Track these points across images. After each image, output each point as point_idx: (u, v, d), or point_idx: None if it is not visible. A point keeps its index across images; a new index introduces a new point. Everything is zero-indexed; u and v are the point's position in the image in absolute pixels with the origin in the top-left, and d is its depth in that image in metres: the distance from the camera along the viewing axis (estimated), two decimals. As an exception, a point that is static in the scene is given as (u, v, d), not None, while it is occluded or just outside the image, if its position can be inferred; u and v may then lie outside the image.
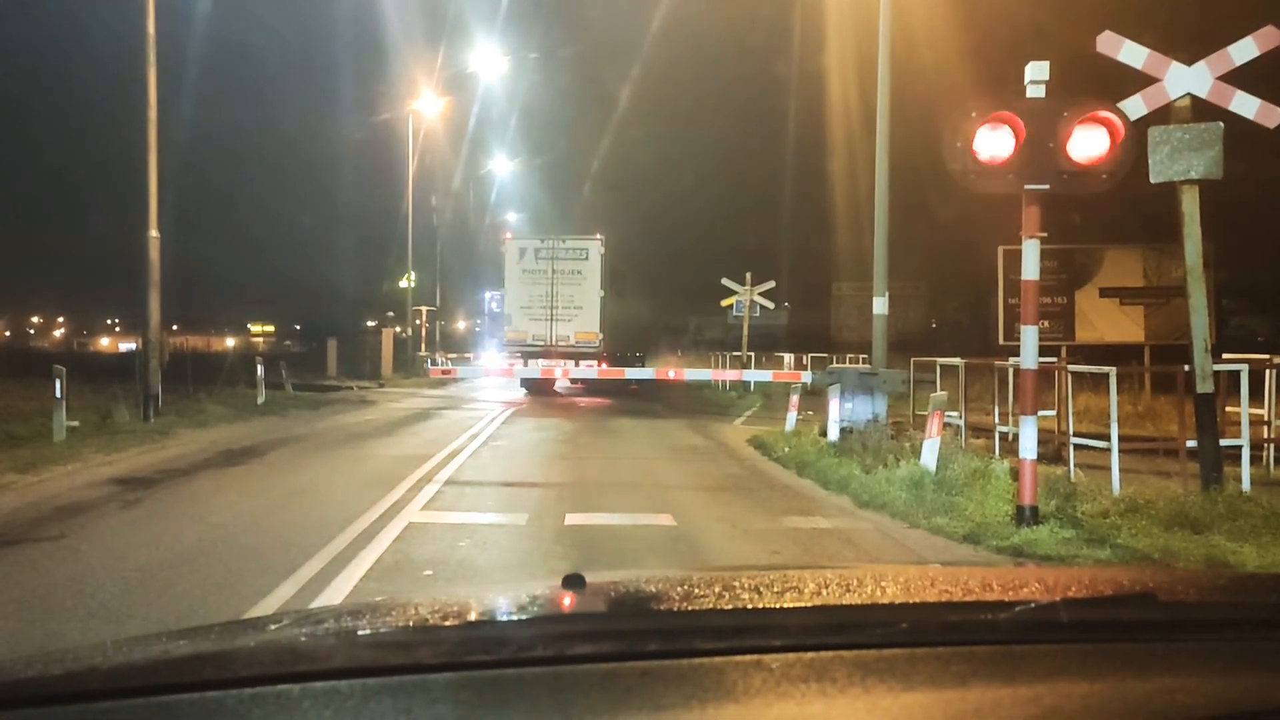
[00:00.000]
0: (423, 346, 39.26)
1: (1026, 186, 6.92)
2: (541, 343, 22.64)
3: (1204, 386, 7.94)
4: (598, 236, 23.28)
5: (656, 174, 61.47)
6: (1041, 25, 20.02)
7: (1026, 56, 7.04)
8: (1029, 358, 7.25)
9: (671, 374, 18.84)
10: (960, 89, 18.02)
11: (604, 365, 21.01)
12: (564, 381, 21.16)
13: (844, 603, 1.59)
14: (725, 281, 28.08)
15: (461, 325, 57.85)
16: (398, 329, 37.13)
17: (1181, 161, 7.63)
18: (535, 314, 22.80)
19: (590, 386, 24.58)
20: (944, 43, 17.98)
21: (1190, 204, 7.81)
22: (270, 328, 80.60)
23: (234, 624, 1.91)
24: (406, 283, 37.42)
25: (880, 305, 13.14)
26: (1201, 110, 7.78)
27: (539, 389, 23.85)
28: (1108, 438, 9.05)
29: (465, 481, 9.81)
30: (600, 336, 22.59)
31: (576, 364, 20.69)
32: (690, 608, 1.58)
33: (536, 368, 21.23)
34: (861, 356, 23.15)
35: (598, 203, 50.29)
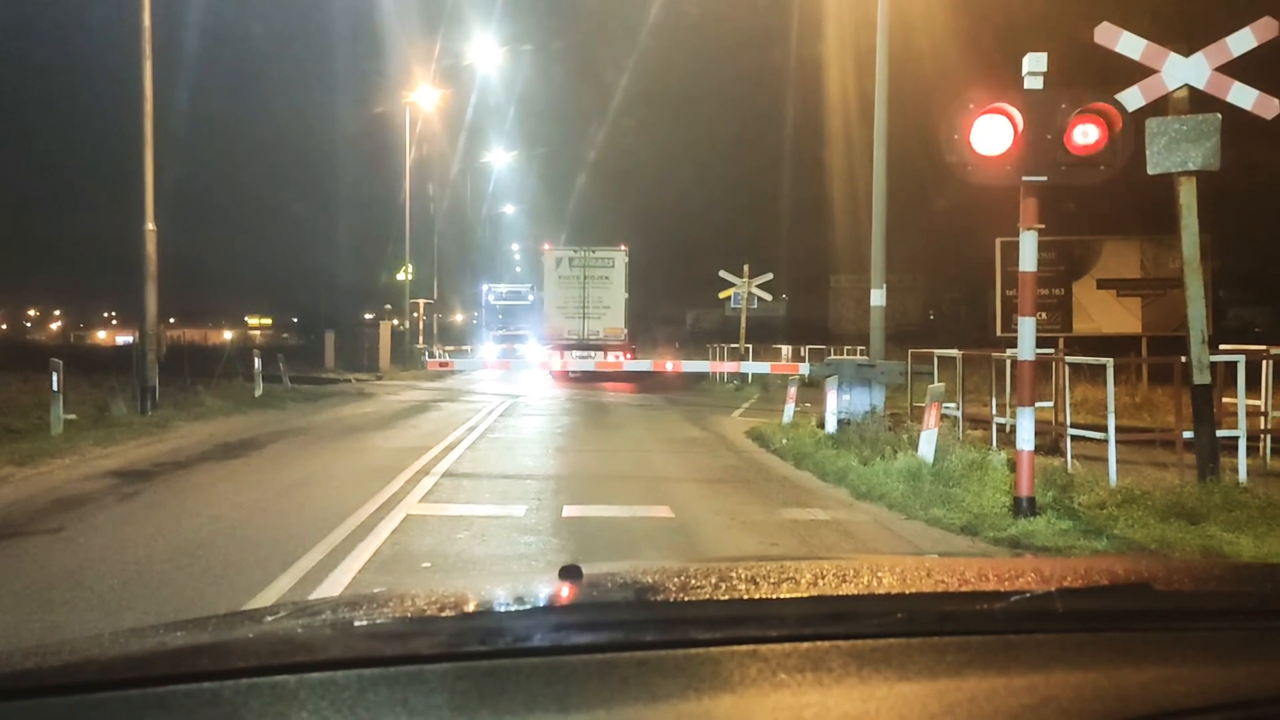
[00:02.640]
0: (420, 339, 39.26)
1: (1024, 178, 6.91)
2: (576, 337, 26.40)
3: (1201, 377, 7.94)
4: (622, 247, 27.19)
5: (654, 165, 61.32)
6: (1039, 15, 19.97)
7: (1025, 47, 7.02)
8: (1026, 349, 7.25)
9: (669, 366, 18.80)
10: (959, 79, 17.99)
11: (630, 356, 24.86)
12: (587, 365, 22.93)
13: (840, 593, 1.59)
14: (723, 273, 28.14)
15: (459, 318, 57.79)
16: (395, 321, 37.10)
17: (1179, 153, 7.62)
18: (570, 313, 26.69)
19: (611, 374, 25.92)
20: (942, 32, 17.94)
21: (1188, 195, 7.80)
22: (268, 320, 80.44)
23: (231, 616, 1.91)
24: (404, 275, 37.40)
25: (878, 297, 13.15)
26: (1199, 101, 7.77)
27: (562, 377, 26.35)
28: (1105, 429, 9.06)
29: (463, 474, 9.82)
30: (625, 331, 26.61)
31: (606, 354, 24.64)
32: (687, 598, 1.58)
33: (537, 360, 24.31)
34: (859, 348, 23.20)
35: (595, 194, 50.40)
